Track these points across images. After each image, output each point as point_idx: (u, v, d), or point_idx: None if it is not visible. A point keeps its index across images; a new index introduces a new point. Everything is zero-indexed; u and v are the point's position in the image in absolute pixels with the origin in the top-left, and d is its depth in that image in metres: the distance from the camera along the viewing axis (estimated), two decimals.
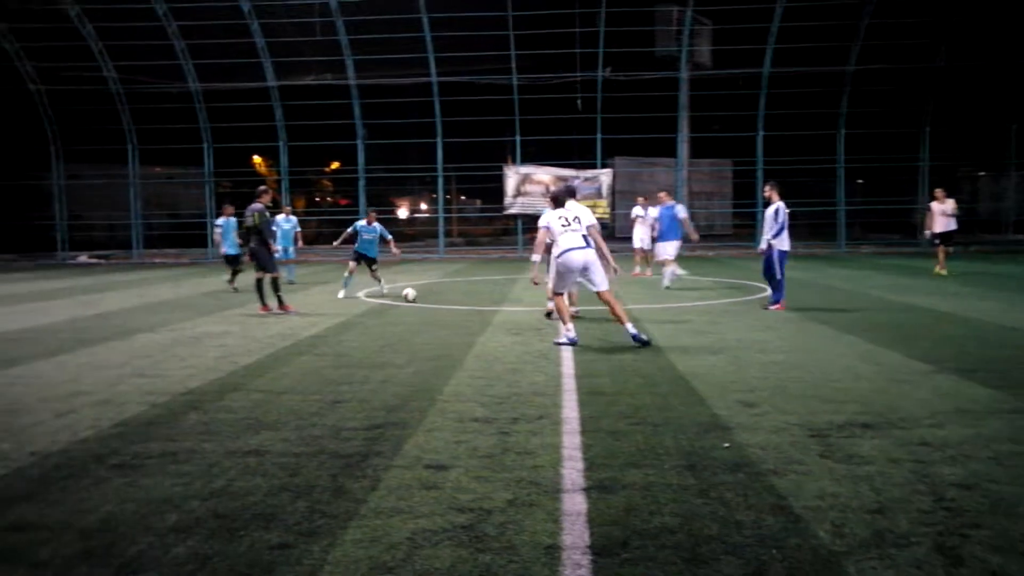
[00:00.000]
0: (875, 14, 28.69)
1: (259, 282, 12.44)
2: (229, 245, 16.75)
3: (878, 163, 31.92)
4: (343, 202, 38.61)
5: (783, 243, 11.67)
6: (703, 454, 4.77)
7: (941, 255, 17.87)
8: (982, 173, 37.07)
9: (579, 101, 30.34)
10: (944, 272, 17.61)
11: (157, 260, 31.63)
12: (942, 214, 17.80)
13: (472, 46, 29.88)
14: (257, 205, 12.26)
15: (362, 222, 15.52)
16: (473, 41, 29.84)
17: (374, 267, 15.30)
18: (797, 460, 4.63)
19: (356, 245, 15.33)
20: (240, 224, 14.03)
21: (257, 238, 12.26)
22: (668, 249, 15.82)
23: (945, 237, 17.84)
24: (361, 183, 31.69)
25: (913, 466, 4.49)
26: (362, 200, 31.65)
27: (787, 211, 11.68)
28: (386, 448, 5.00)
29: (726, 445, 4.94)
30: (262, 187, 12.83)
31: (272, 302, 12.35)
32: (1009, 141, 31.42)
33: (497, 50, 29.56)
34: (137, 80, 31.07)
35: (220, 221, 17.16)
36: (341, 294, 14.79)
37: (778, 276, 11.68)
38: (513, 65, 29.77)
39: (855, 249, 31.75)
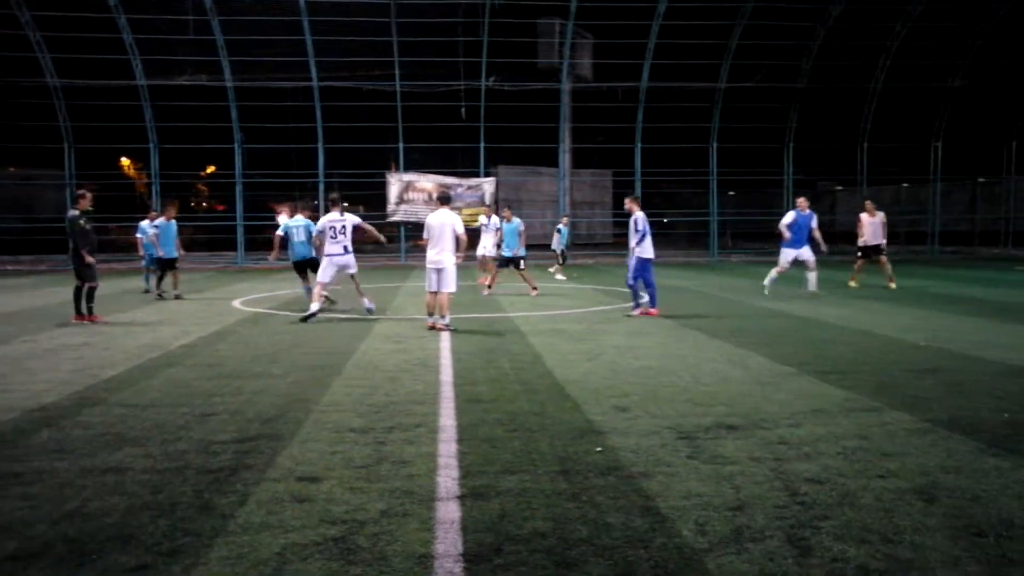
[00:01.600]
0: (744, 35, 30.29)
1: (78, 290, 11.90)
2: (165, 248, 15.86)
3: (747, 176, 33.73)
4: (219, 208, 37.21)
5: (645, 251, 12.13)
6: (577, 459, 4.87)
7: (859, 265, 17.91)
8: (839, 188, 39.70)
9: (463, 109, 30.46)
10: (894, 285, 17.00)
11: (9, 267, 29.45)
12: (870, 225, 17.82)
13: (355, 52, 29.47)
14: (72, 212, 11.78)
15: (297, 218, 13.69)
16: (356, 47, 29.44)
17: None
18: (666, 462, 4.80)
19: (297, 251, 13.60)
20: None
21: (72, 246, 11.83)
22: (805, 254, 15.51)
23: (874, 249, 17.77)
24: (239, 188, 30.61)
25: (772, 464, 4.74)
26: (239, 206, 30.60)
27: (647, 220, 12.18)
28: (258, 461, 4.84)
29: (599, 449, 5.06)
30: (80, 191, 12.41)
31: (89, 312, 12.06)
32: (858, 158, 33.82)
33: (381, 56, 29.30)
34: None
35: (153, 224, 16.28)
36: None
37: (649, 283, 12.15)
38: (397, 72, 29.55)
39: (727, 257, 33.28)
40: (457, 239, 10.80)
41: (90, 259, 11.86)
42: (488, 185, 31.14)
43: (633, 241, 12.07)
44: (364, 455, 4.95)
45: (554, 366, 8.02)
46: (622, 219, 37.31)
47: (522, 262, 16.72)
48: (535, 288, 16.38)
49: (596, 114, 31.95)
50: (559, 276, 20.99)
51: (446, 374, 7.63)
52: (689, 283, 19.76)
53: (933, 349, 8.85)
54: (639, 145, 31.97)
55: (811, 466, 4.69)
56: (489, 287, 16.63)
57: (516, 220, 17.18)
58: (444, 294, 10.74)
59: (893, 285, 16.88)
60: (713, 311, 13.15)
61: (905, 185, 38.25)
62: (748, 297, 15.59)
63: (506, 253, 16.70)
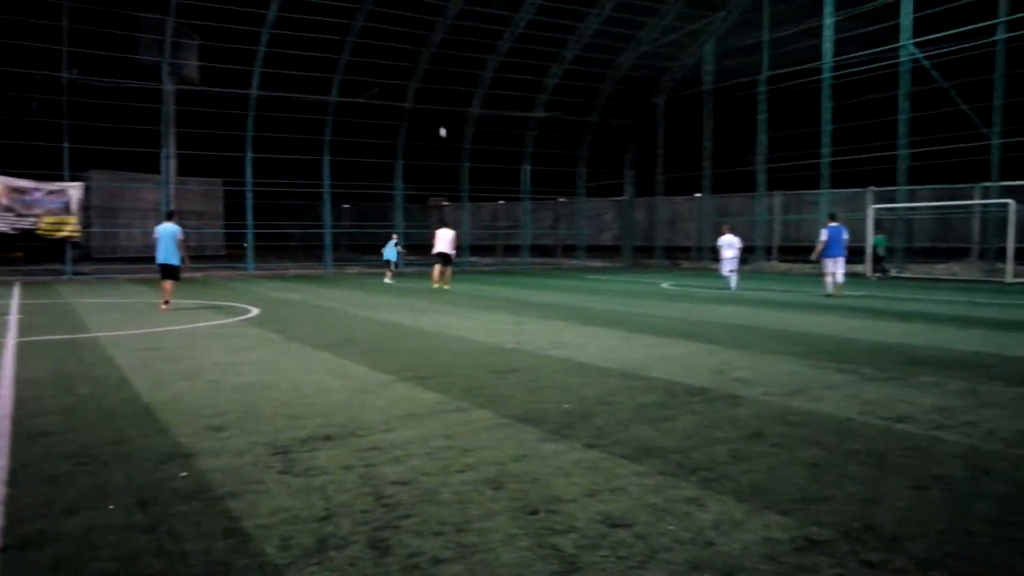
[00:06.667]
0: (354, 52, 31.06)
1: None
2: None
3: (362, 189, 34.60)
4: None
5: None
6: (158, 487, 4.51)
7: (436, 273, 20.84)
8: (446, 203, 42.66)
9: (35, 103, 26.64)
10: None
11: None
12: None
13: None
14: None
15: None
16: None
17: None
18: (257, 480, 4.66)
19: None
20: None
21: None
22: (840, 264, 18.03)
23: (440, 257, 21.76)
24: None
25: (363, 471, 4.86)
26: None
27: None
28: None
29: (183, 474, 4.74)
30: None
31: None
32: (459, 177, 36.93)
33: None
34: None
35: None
36: None
37: None
38: None
39: (342, 269, 33.70)
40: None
41: None
42: (75, 191, 27.65)
43: None
44: None
45: (143, 388, 7.35)
46: (234, 230, 35.84)
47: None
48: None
49: (205, 119, 30.26)
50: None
51: (3, 408, 6.55)
52: (298, 295, 19.62)
53: (517, 351, 9.88)
54: (250, 154, 30.99)
55: (399, 468, 4.90)
56: None
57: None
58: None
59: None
60: (318, 323, 13.19)
61: (501, 202, 42.41)
62: (355, 308, 15.95)
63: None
